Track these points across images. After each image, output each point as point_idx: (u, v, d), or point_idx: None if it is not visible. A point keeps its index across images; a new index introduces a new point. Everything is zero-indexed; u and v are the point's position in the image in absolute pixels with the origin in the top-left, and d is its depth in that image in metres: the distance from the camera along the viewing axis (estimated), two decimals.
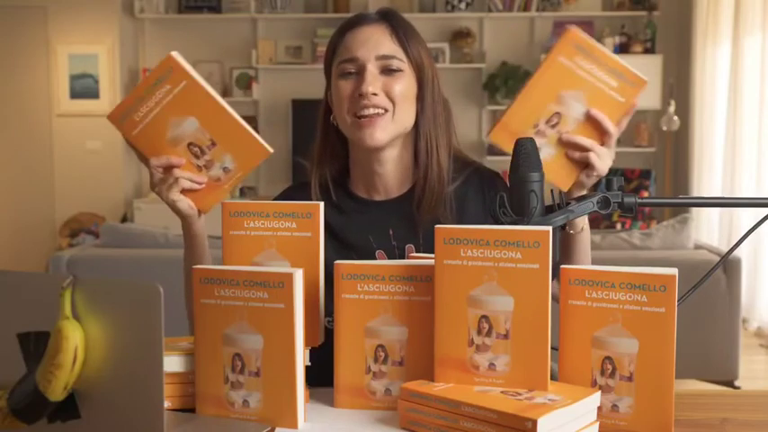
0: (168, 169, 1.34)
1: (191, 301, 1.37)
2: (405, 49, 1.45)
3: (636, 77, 1.34)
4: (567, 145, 1.35)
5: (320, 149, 1.53)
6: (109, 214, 6.42)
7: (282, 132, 6.45)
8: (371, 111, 1.41)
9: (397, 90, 1.42)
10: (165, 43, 6.59)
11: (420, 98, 1.47)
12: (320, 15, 6.48)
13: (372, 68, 1.42)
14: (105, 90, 6.39)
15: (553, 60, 1.34)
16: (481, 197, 1.51)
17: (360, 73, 1.43)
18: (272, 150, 1.36)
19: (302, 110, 6.35)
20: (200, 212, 1.40)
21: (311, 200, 1.49)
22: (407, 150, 1.50)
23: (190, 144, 1.34)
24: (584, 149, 1.35)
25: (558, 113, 1.34)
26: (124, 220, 6.29)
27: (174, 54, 1.31)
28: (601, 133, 1.35)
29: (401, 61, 1.44)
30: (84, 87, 6.39)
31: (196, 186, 1.35)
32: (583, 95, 1.34)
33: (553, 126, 1.35)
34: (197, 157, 1.34)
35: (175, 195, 1.35)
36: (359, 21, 1.47)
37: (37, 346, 1.02)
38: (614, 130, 1.35)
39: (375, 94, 1.41)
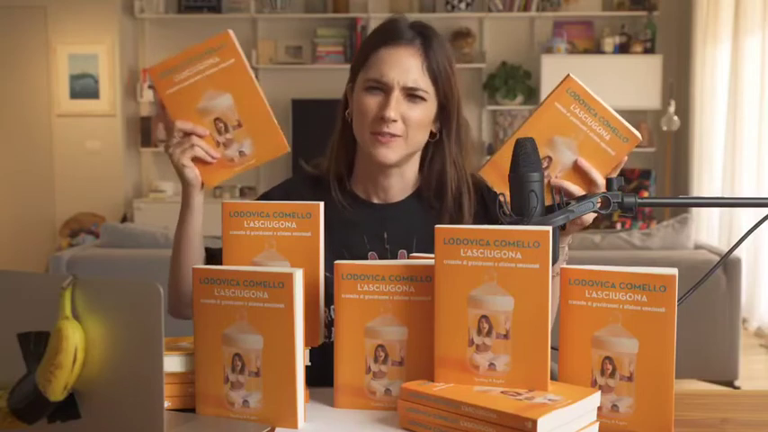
0: (187, 134, 1.37)
1: (175, 276, 1.43)
2: (433, 78, 1.45)
3: (630, 134, 1.35)
4: (555, 190, 1.35)
5: (338, 143, 1.54)
6: (109, 214, 6.41)
7: (282, 132, 6.42)
8: (389, 133, 1.43)
9: (414, 117, 1.44)
10: (164, 43, 6.59)
11: (445, 123, 1.50)
12: (320, 15, 6.48)
13: (398, 94, 1.43)
14: (105, 90, 6.39)
15: (549, 105, 1.35)
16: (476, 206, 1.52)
17: (386, 94, 1.44)
18: (289, 149, 1.40)
19: (302, 110, 6.35)
20: (203, 186, 1.41)
21: (321, 193, 1.51)
22: (413, 163, 1.53)
23: (217, 119, 1.38)
24: (572, 197, 1.35)
25: (549, 157, 1.35)
26: (124, 220, 6.29)
27: (231, 32, 1.36)
28: (588, 183, 1.36)
29: (426, 92, 1.45)
30: (84, 87, 6.39)
31: (208, 159, 1.38)
32: (575, 143, 1.36)
33: (544, 168, 1.34)
34: (220, 133, 1.38)
35: (186, 161, 1.37)
36: (395, 38, 1.45)
37: (37, 346, 1.02)
38: (602, 182, 1.36)
39: (395, 121, 1.42)
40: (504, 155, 1.38)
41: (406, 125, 1.44)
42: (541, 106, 1.36)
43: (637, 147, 1.42)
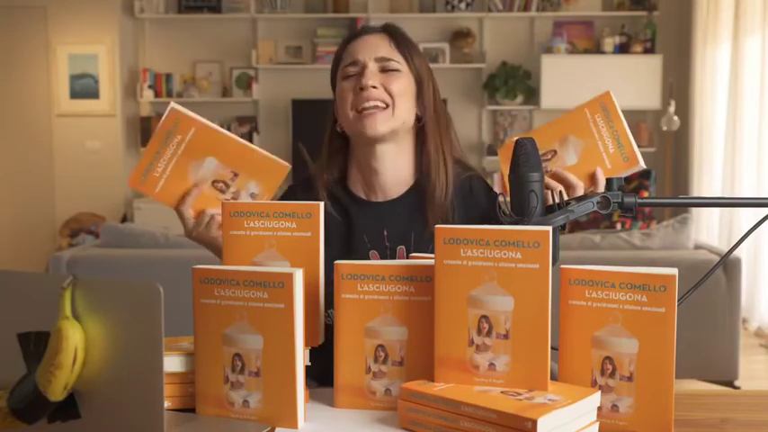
0: (199, 213, 1.40)
1: None
2: (403, 54, 1.52)
3: (632, 154, 1.43)
4: (553, 176, 1.41)
5: (327, 156, 1.57)
6: (109, 214, 6.41)
7: (282, 132, 6.45)
8: (372, 103, 1.47)
9: (395, 86, 1.49)
10: (165, 43, 6.59)
11: (420, 102, 1.53)
12: (320, 15, 6.48)
13: (372, 67, 1.49)
14: (105, 90, 6.39)
15: (579, 109, 1.45)
16: (470, 204, 1.53)
17: (360, 71, 1.49)
18: (289, 166, 1.43)
19: (302, 110, 6.34)
20: None
21: (315, 196, 1.54)
22: (405, 151, 1.54)
23: (214, 182, 1.41)
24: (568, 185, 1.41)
25: (554, 151, 1.43)
26: (124, 220, 6.29)
27: (175, 105, 1.38)
28: (570, 188, 1.41)
29: (398, 63, 1.50)
30: (84, 87, 6.39)
31: None
32: (581, 145, 1.43)
33: (546, 160, 1.44)
34: (223, 192, 1.41)
35: (215, 233, 1.41)
36: (361, 31, 1.55)
37: (37, 346, 1.02)
38: (581, 191, 1.41)
39: (375, 87, 1.47)
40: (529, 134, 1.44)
41: (390, 94, 1.48)
42: (575, 109, 1.45)
43: (637, 147, 1.45)
